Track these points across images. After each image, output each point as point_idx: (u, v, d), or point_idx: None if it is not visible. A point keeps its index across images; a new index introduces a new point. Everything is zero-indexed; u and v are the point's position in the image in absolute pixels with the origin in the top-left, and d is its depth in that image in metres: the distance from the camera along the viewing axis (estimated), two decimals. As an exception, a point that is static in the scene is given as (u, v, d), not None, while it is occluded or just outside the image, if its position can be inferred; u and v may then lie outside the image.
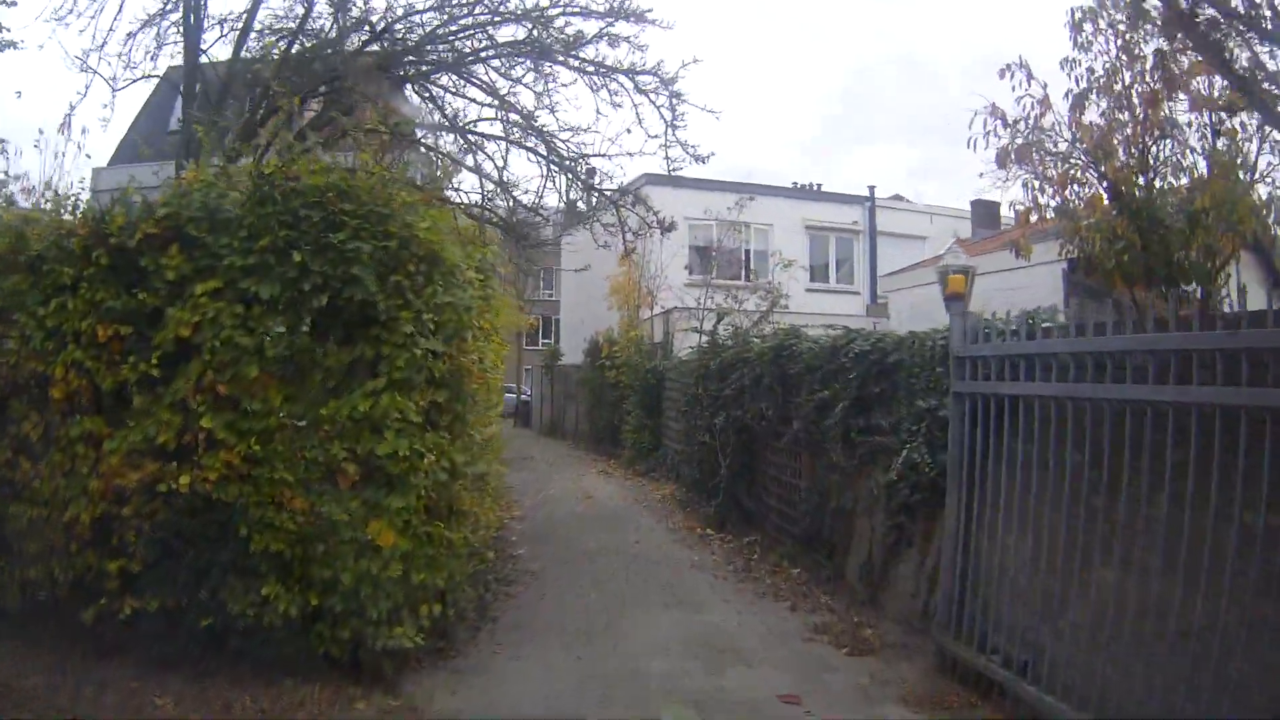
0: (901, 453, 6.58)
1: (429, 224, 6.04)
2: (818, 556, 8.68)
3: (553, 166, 10.42)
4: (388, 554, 5.63)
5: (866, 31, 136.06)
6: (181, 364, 5.68)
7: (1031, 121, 11.42)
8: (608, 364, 19.90)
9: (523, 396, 36.39)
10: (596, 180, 10.39)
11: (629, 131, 10.30)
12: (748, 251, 24.04)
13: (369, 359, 5.78)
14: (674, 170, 10.52)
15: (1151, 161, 11.75)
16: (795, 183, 28.56)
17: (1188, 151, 11.70)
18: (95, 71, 10.37)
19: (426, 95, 10.48)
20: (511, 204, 10.98)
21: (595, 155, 10.32)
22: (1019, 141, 11.73)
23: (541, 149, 10.33)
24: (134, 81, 11.05)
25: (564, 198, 10.65)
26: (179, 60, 10.68)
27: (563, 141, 10.20)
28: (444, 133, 10.39)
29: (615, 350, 19.63)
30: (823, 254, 27.04)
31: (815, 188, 28.67)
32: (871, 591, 7.79)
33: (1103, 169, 11.56)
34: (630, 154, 9.47)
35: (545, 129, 10.25)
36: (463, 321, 6.30)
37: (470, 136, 10.43)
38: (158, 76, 11.52)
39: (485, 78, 10.16)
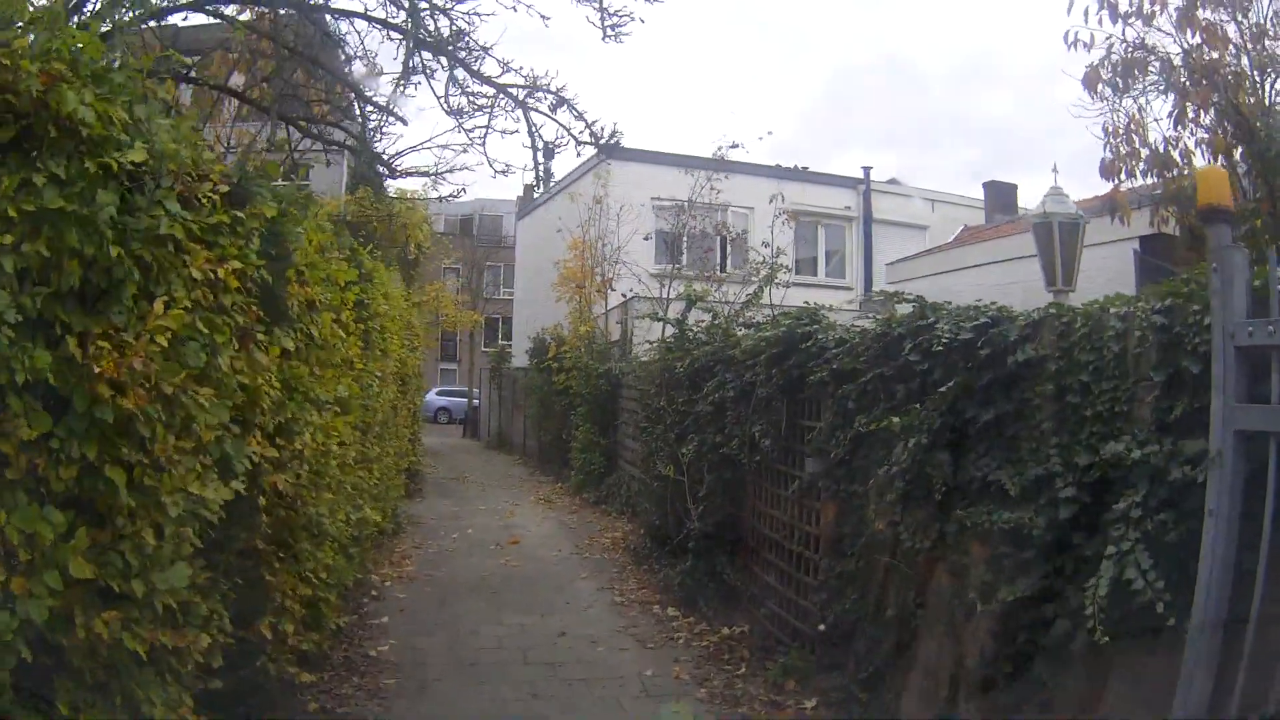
0: (1103, 566, 3.06)
1: None
2: (848, 682, 5.25)
3: (419, 49, 6.71)
4: None
5: (847, 35, 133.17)
6: None
7: (1144, 13, 8.10)
8: (555, 366, 16.37)
9: (474, 403, 32.61)
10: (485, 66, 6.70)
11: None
12: (724, 239, 20.47)
13: None
14: (611, 24, 6.83)
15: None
16: (778, 164, 25.07)
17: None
18: None
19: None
20: (360, 110, 7.29)
21: None
22: (1114, 58, 8.51)
23: (400, 16, 6.68)
24: None
25: (437, 92, 6.98)
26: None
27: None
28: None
29: (563, 350, 16.08)
30: (810, 243, 23.65)
31: (802, 169, 25.21)
32: (951, 764, 4.40)
33: (1231, 98, 8.37)
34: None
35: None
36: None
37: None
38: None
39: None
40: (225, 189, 3.73)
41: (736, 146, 14.44)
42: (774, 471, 6.44)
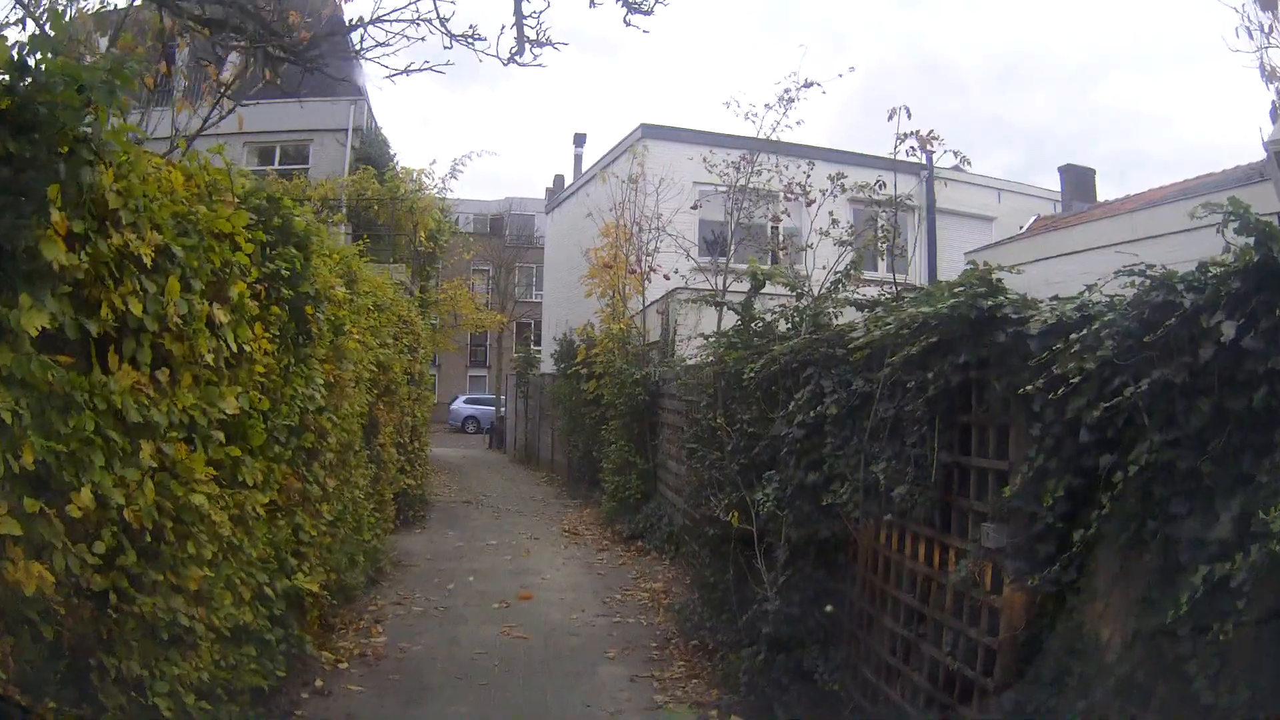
0: None
1: None
2: None
3: None
4: None
5: (884, 35, 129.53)
6: None
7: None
8: (584, 372, 14.15)
9: (500, 413, 30.33)
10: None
11: None
12: (776, 229, 18.03)
13: None
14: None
15: None
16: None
17: None
18: None
19: None
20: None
21: None
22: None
23: None
24: None
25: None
26: None
27: None
28: None
29: (594, 353, 13.85)
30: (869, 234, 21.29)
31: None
32: None
33: None
34: None
35: None
36: None
37: None
38: None
39: None
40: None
41: (811, 85, 11.26)
42: (911, 536, 4.13)
